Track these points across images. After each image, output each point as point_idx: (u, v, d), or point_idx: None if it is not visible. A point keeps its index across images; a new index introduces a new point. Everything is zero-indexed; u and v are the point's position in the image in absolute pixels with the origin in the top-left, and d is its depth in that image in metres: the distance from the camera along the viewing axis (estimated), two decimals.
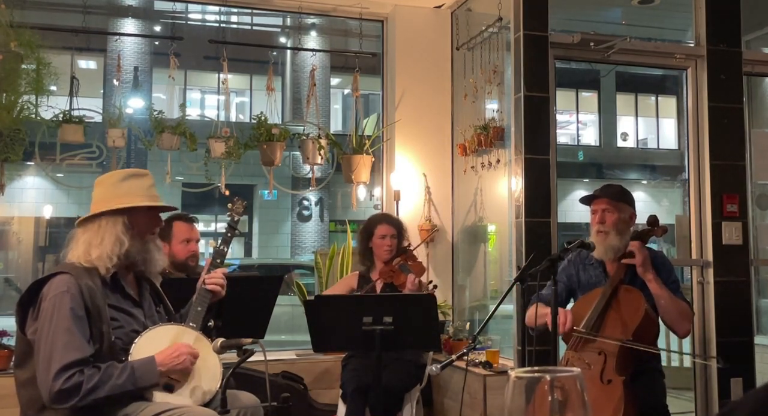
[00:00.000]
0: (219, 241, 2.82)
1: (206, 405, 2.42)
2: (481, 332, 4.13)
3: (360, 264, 4.18)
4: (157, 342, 2.40)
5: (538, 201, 4.03)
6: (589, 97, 19.57)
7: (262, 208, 17.13)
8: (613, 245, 3.07)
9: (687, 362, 5.91)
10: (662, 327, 3.05)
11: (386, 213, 4.34)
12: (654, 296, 2.98)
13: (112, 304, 2.38)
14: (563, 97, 17.50)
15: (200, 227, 3.86)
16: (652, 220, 3.22)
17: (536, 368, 0.90)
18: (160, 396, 2.35)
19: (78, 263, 2.36)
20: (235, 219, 2.87)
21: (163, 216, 2.64)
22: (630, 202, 3.18)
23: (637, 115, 19.94)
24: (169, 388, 2.37)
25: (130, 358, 2.33)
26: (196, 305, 2.62)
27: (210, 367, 2.49)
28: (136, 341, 2.37)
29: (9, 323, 3.03)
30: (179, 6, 5.45)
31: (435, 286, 3.95)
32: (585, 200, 3.24)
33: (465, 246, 5.13)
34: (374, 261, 4.06)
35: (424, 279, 3.98)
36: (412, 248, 4.07)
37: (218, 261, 2.75)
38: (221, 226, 14.94)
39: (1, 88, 4.19)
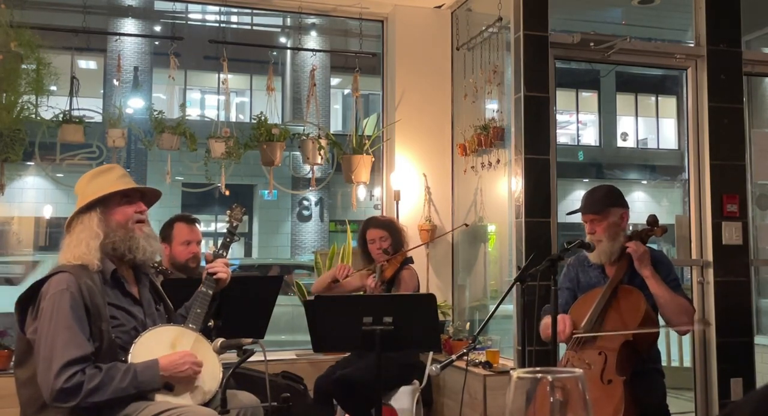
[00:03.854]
0: (218, 246, 2.85)
1: (206, 405, 2.42)
2: (481, 332, 4.13)
3: (365, 269, 4.19)
4: (156, 343, 2.40)
5: (538, 201, 4.03)
6: (589, 97, 19.57)
7: (262, 208, 17.13)
8: (606, 251, 3.08)
9: (687, 362, 5.91)
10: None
11: (375, 217, 4.31)
12: (652, 293, 2.98)
13: (112, 302, 2.38)
14: (563, 97, 17.50)
15: (200, 227, 3.85)
16: (652, 220, 3.21)
17: (538, 368, 0.90)
18: (160, 396, 2.35)
19: (70, 263, 2.36)
20: (234, 225, 2.90)
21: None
22: (617, 203, 3.15)
23: (637, 115, 19.94)
24: (170, 388, 2.37)
25: (129, 359, 2.32)
26: (196, 307, 2.64)
27: (210, 367, 2.48)
28: (135, 341, 2.36)
29: (9, 323, 3.02)
30: (179, 6, 5.45)
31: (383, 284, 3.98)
32: (572, 214, 3.24)
33: (465, 246, 5.13)
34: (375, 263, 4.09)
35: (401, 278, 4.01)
36: (405, 250, 4.07)
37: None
38: (221, 226, 14.95)
39: (1, 88, 4.19)
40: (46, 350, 2.21)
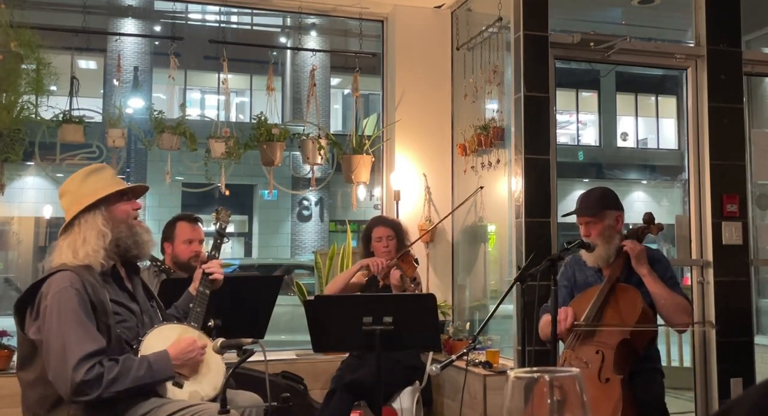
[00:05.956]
0: (210, 248, 2.92)
1: (212, 401, 2.43)
2: (481, 332, 4.13)
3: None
4: (163, 341, 2.42)
5: (538, 201, 4.03)
6: (589, 97, 19.57)
7: (262, 208, 17.12)
8: (602, 255, 3.08)
9: (687, 362, 5.91)
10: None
11: (382, 216, 4.40)
12: (650, 292, 2.98)
13: (113, 298, 2.38)
14: (563, 97, 17.50)
15: (202, 226, 3.86)
16: (648, 218, 3.20)
17: (535, 368, 0.90)
18: (170, 392, 2.37)
19: (72, 263, 2.34)
20: (223, 227, 2.96)
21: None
22: (612, 206, 3.14)
23: (637, 115, 19.94)
24: (179, 384, 2.39)
25: (139, 355, 2.34)
26: (196, 306, 2.67)
27: (214, 363, 2.52)
28: (142, 340, 2.38)
29: (9, 323, 3.02)
30: (179, 6, 5.44)
31: (418, 283, 3.96)
32: (567, 216, 3.24)
33: (465, 246, 5.13)
34: None
35: (417, 277, 4.00)
36: (410, 248, 4.09)
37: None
38: None
39: (1, 88, 4.19)
40: (58, 347, 2.19)
